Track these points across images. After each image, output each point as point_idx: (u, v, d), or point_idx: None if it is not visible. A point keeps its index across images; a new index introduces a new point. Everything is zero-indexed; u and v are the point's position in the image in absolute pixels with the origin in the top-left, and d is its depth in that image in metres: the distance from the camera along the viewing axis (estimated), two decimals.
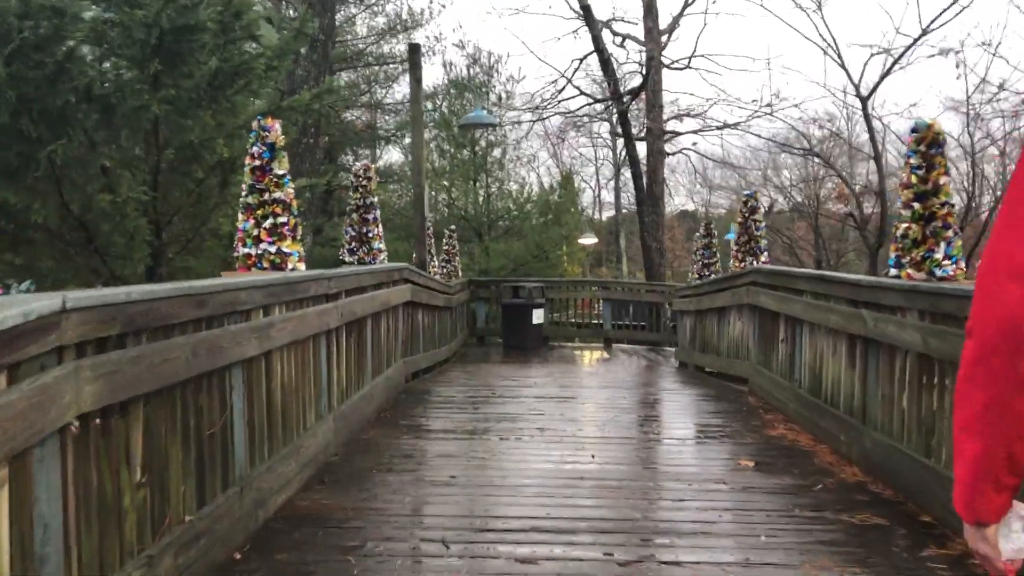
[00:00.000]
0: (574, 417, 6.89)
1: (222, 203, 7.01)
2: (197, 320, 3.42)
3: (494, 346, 15.00)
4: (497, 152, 22.64)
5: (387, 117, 23.94)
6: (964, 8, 13.78)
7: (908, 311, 4.65)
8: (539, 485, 4.75)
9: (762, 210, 9.82)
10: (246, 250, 5.38)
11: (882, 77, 14.45)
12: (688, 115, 19.44)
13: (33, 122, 5.45)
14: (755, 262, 9.53)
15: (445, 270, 15.07)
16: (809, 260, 32.42)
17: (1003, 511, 1.33)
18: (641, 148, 19.50)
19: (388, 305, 7.41)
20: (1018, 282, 1.21)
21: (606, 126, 35.09)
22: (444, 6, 32.25)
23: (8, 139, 5.53)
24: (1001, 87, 16.47)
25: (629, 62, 24.08)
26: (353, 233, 8.22)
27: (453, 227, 15.68)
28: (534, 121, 21.14)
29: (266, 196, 5.40)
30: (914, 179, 5.04)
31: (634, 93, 18.47)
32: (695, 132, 19.38)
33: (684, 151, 20.62)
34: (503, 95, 22.35)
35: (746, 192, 9.94)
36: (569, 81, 19.37)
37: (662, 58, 19.00)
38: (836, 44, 14.34)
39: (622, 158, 39.22)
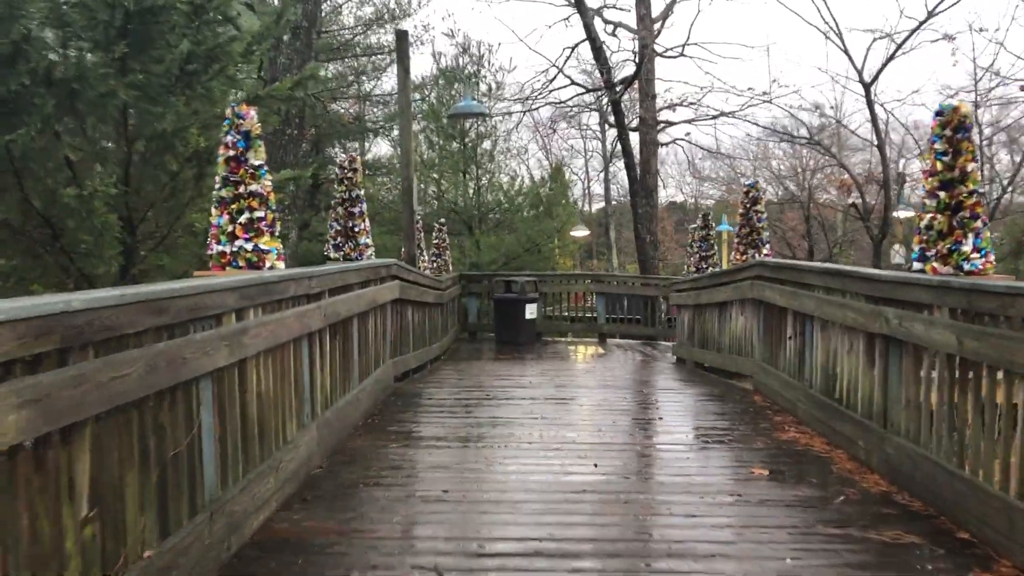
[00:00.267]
0: (572, 421, 6.53)
1: (198, 197, 6.60)
2: (156, 329, 3.04)
3: (486, 342, 14.63)
4: (487, 144, 22.27)
5: (375, 109, 23.51)
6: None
7: (938, 309, 4.30)
8: (539, 500, 4.39)
9: (764, 200, 9.46)
10: (220, 248, 4.98)
11: (886, 62, 14.12)
12: (682, 104, 19.09)
13: None
14: (757, 255, 9.18)
15: (435, 264, 14.69)
16: (801, 252, 32.18)
17: None
18: (633, 138, 19.13)
19: (375, 304, 7.03)
20: None
21: (595, 117, 34.75)
22: None
23: None
24: (997, 73, 16.15)
25: (621, 51, 23.79)
26: (338, 228, 7.82)
27: (443, 220, 15.29)
28: (524, 112, 20.74)
29: (241, 189, 4.99)
30: (939, 166, 4.68)
31: (627, 82, 18.08)
32: (689, 122, 19.05)
33: (678, 141, 20.28)
34: (493, 85, 21.98)
35: (747, 182, 9.58)
36: (560, 71, 18.98)
37: (655, 46, 18.62)
38: (838, 28, 13.93)
39: (612, 149, 38.90)
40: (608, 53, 18.30)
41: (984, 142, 14.77)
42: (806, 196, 29.88)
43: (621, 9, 19.10)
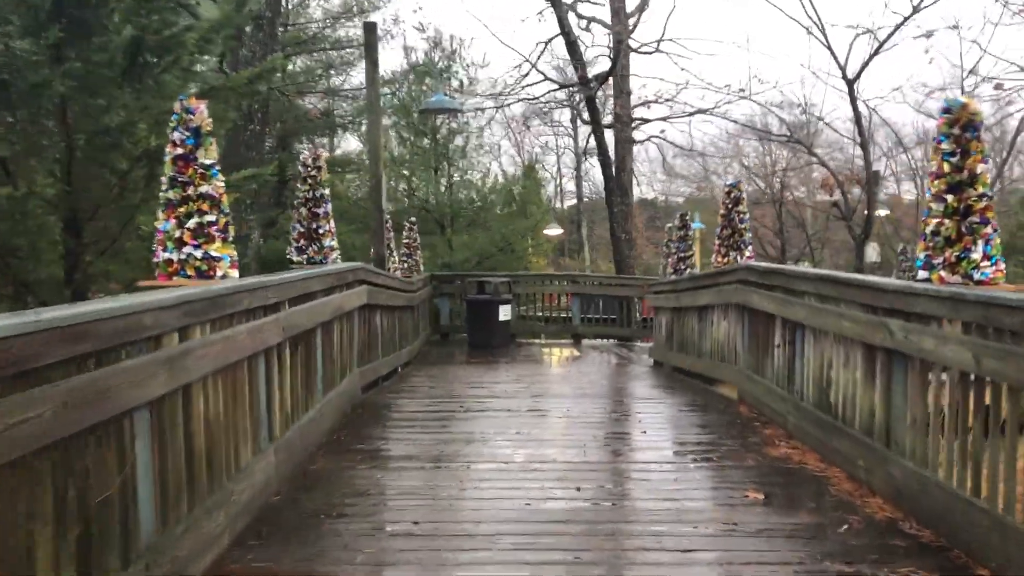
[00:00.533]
0: (551, 437, 6.14)
1: (150, 199, 6.11)
2: (78, 358, 2.61)
3: (458, 344, 14.22)
4: (460, 140, 21.83)
5: (344, 104, 22.94)
6: None
7: (949, 322, 3.98)
8: (519, 532, 4.00)
9: (746, 200, 9.16)
10: (167, 255, 4.55)
11: (870, 57, 13.90)
12: (656, 101, 18.77)
13: None
14: (739, 257, 8.88)
15: (406, 264, 14.25)
16: (773, 250, 32.08)
17: None
18: (608, 136, 18.79)
19: (341, 311, 6.60)
20: None
21: (567, 114, 34.42)
22: None
23: None
24: (975, 72, 16.02)
25: (595, 46, 23.44)
26: (301, 229, 7.37)
27: (414, 219, 14.85)
28: (498, 108, 20.34)
29: (190, 191, 4.56)
30: (946, 167, 4.37)
31: (602, 78, 17.73)
32: (664, 119, 18.73)
33: (653, 139, 19.96)
34: (466, 81, 21.55)
35: (729, 182, 9.27)
36: (533, 66, 18.60)
37: (630, 41, 18.29)
38: (821, 23, 13.63)
39: (585, 146, 38.62)
40: (583, 48, 17.95)
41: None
42: (778, 193, 29.78)
43: (595, 3, 18.70)
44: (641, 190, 37.27)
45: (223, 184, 4.71)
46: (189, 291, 3.61)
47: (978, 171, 4.32)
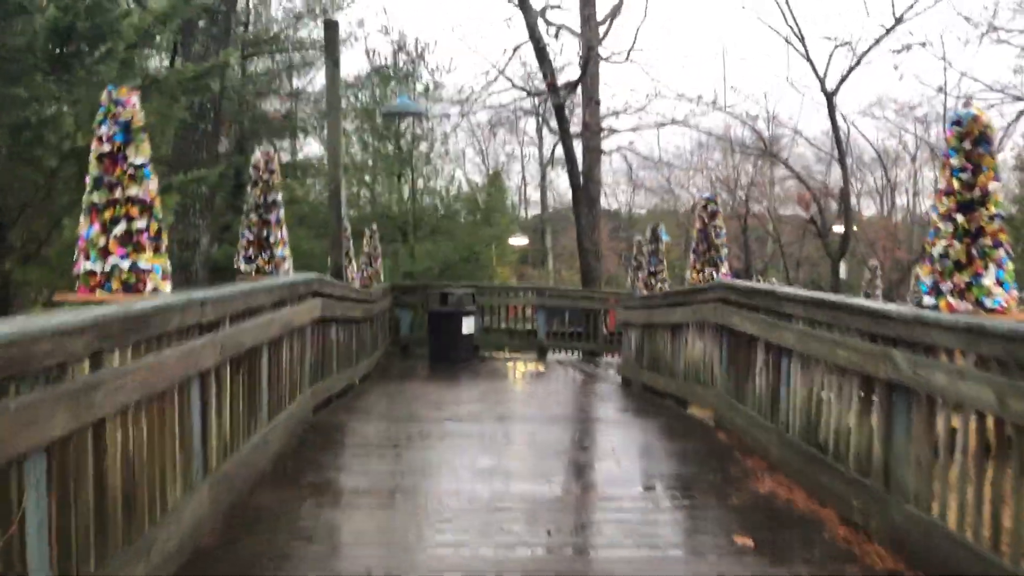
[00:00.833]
0: (519, 469, 5.58)
1: (80, 200, 5.54)
2: None
3: (419, 358, 13.69)
4: (424, 146, 21.32)
5: (306, 107, 22.31)
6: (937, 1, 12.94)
7: (962, 355, 3.60)
8: None
9: (722, 215, 8.80)
10: (89, 266, 4.00)
11: (850, 70, 13.68)
12: (625, 112, 18.45)
13: None
14: (716, 273, 8.52)
15: (365, 273, 13.71)
16: (738, 263, 31.99)
17: None
18: (576, 145, 18.41)
19: (292, 327, 6.07)
20: None
21: (532, 123, 34.06)
22: None
23: None
24: (941, 89, 15.95)
25: (564, 54, 23.06)
26: (251, 237, 6.83)
27: (375, 226, 14.30)
28: (464, 114, 19.87)
29: (117, 193, 4.02)
30: (956, 184, 4.01)
31: (572, 85, 17.36)
32: (634, 130, 18.41)
33: (621, 149, 19.64)
34: (431, 85, 21.02)
35: (705, 195, 8.92)
36: (501, 72, 18.17)
37: (600, 50, 17.97)
38: (800, 32, 13.36)
39: (550, 155, 38.27)
40: (552, 56, 17.58)
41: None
42: (741, 206, 29.67)
43: (566, 10, 18.35)
44: (608, 201, 37.09)
45: (155, 186, 4.18)
46: (103, 311, 3.09)
47: (990, 189, 3.97)
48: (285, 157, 22.53)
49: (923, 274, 4.27)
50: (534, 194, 43.87)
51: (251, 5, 19.44)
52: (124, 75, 6.18)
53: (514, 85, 18.70)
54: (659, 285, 11.49)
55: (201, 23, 10.45)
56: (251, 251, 6.84)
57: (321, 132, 20.66)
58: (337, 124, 9.79)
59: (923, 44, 15.36)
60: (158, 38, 6.33)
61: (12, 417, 2.37)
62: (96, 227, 4.01)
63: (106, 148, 4.04)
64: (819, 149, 17.20)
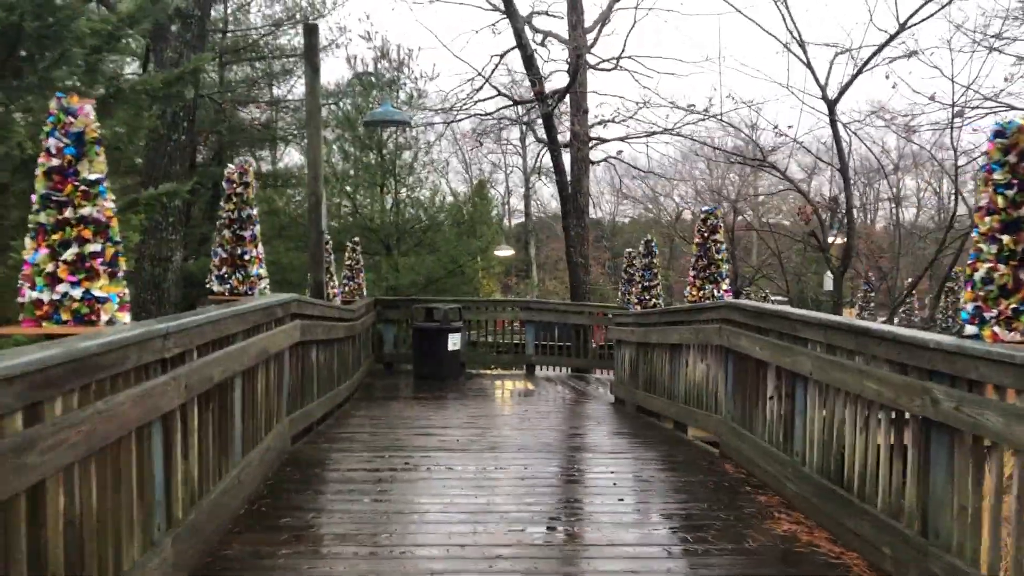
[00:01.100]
0: (515, 511, 5.06)
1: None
2: None
3: (404, 376, 13.24)
4: (407, 155, 20.88)
5: (287, 116, 21.82)
6: (943, 6, 12.61)
7: (1017, 393, 3.22)
8: None
9: (723, 229, 8.42)
10: (35, 294, 3.55)
11: (852, 78, 13.32)
12: (613, 121, 18.07)
13: None
14: (716, 290, 8.13)
15: (347, 288, 13.23)
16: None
17: None
18: (564, 155, 18.02)
19: (268, 354, 5.62)
20: None
21: (516, 132, 33.68)
22: None
23: None
24: (932, 99, 15.64)
25: (552, 61, 22.72)
26: (224, 255, 6.38)
27: (357, 239, 13.83)
28: (448, 123, 19.45)
29: (68, 213, 3.57)
30: (1000, 202, 3.64)
31: (560, 93, 16.98)
32: (623, 139, 18.00)
33: (610, 159, 19.27)
34: (414, 93, 20.59)
35: (705, 208, 8.53)
36: (487, 80, 17.75)
37: (589, 58, 17.61)
38: (801, 38, 13.01)
39: (534, 165, 37.90)
40: (540, 63, 17.20)
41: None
42: (727, 217, 29.33)
43: (553, 16, 17.97)
44: (593, 210, 36.76)
45: (112, 205, 3.73)
46: (40, 355, 2.63)
47: None
48: (265, 167, 22.02)
49: (965, 299, 3.89)
50: (518, 204, 43.58)
51: (229, 12, 18.97)
52: (87, 82, 5.74)
53: (500, 93, 18.29)
54: (653, 301, 11.09)
55: (174, 28, 9.98)
56: (224, 270, 6.38)
57: (302, 141, 20.17)
58: (317, 133, 9.35)
59: (913, 53, 15.08)
60: (124, 42, 5.85)
61: None
62: (44, 251, 3.56)
63: (55, 162, 3.59)
64: (818, 159, 16.85)
